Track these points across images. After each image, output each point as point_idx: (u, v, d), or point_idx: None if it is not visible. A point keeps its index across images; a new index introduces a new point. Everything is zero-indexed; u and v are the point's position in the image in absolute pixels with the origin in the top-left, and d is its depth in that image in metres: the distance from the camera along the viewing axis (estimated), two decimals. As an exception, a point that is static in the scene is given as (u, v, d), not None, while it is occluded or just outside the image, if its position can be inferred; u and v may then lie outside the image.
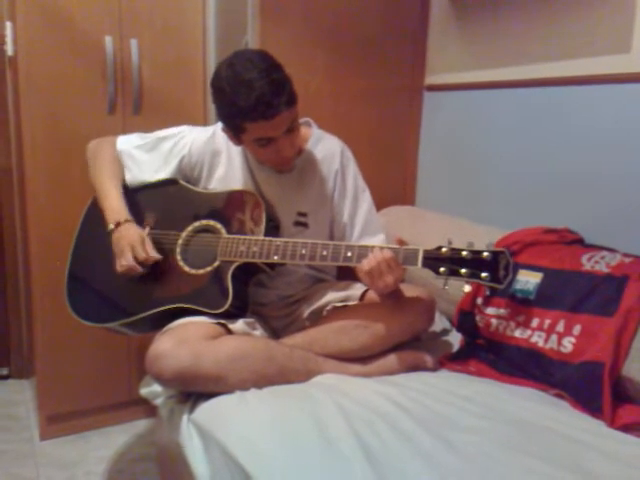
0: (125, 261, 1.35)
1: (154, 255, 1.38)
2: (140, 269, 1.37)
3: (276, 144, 1.33)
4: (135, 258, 1.35)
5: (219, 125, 1.52)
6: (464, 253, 1.20)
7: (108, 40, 1.79)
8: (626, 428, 1.11)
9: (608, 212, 1.52)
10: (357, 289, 1.47)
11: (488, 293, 1.44)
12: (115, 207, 1.43)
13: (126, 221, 1.40)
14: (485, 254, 1.19)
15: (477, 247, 1.21)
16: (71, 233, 1.54)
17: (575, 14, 1.57)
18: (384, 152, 2.09)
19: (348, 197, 1.52)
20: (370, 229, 1.53)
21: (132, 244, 1.36)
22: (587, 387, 1.19)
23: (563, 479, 0.95)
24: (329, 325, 1.39)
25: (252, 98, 1.24)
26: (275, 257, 1.33)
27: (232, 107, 1.27)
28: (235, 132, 1.34)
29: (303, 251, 1.31)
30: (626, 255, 1.34)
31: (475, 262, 1.20)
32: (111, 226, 1.40)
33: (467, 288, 1.22)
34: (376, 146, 2.07)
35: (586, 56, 1.55)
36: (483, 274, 1.19)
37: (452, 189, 2.03)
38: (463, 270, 1.20)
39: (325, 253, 1.30)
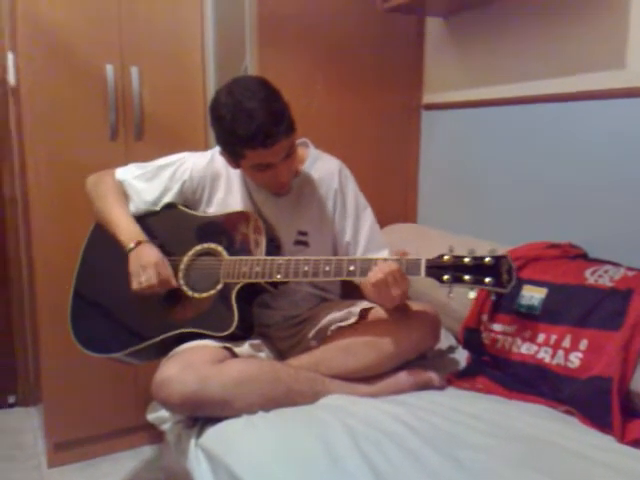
0: (145, 278, 1.35)
1: (173, 279, 1.39)
2: (162, 289, 1.37)
3: (274, 169, 1.35)
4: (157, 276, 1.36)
5: (217, 149, 1.54)
6: (466, 260, 1.21)
7: (109, 68, 1.82)
8: (637, 443, 1.10)
9: (610, 226, 1.52)
10: (359, 306, 1.47)
11: (493, 298, 1.43)
12: (131, 230, 1.44)
13: (146, 242, 1.41)
14: (487, 259, 1.19)
15: (478, 253, 1.21)
16: (75, 259, 1.55)
17: (570, 31, 1.59)
18: (385, 171, 2.11)
19: (350, 216, 1.53)
20: (374, 245, 1.53)
21: (156, 262, 1.37)
22: (596, 402, 1.18)
23: (575, 497, 0.94)
24: (335, 345, 1.39)
25: (252, 127, 1.26)
26: (278, 276, 1.33)
27: (232, 135, 1.29)
28: (234, 157, 1.36)
29: (306, 268, 1.31)
30: (629, 269, 1.33)
31: (478, 268, 1.20)
32: (131, 245, 1.40)
33: (472, 295, 1.22)
34: (377, 165, 2.08)
35: (582, 72, 1.56)
36: (487, 279, 1.19)
37: (454, 206, 2.04)
38: (466, 277, 1.20)
39: (328, 269, 1.30)
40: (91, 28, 1.80)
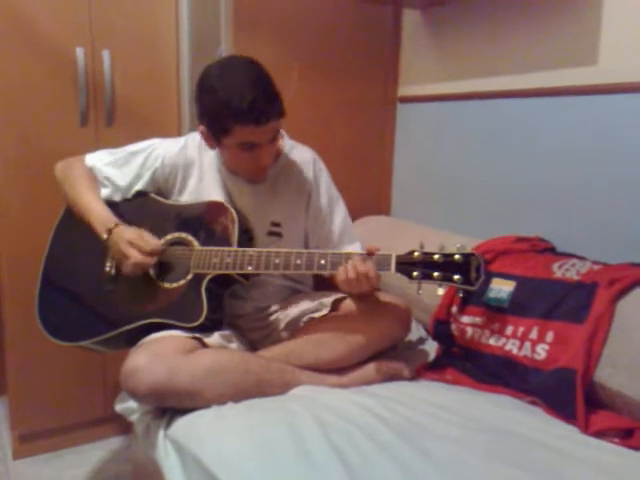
0: (132, 258, 1.32)
1: (158, 244, 1.36)
2: (151, 260, 1.34)
3: (258, 151, 1.34)
4: (140, 252, 1.33)
5: (190, 136, 1.52)
6: (436, 257, 1.22)
7: (79, 51, 1.78)
8: (599, 434, 1.13)
9: (578, 221, 1.55)
10: (331, 298, 1.47)
11: (461, 295, 1.45)
12: (102, 216, 1.41)
13: (117, 225, 1.38)
14: (457, 257, 1.21)
15: (448, 250, 1.22)
16: (44, 249, 1.51)
17: (544, 28, 1.60)
18: (359, 162, 2.11)
19: (323, 207, 1.53)
20: (346, 238, 1.54)
21: (131, 241, 1.34)
22: (560, 393, 1.20)
23: (539, 486, 0.96)
24: (306, 336, 1.39)
25: (247, 101, 1.24)
26: (249, 267, 1.32)
27: (224, 107, 1.27)
28: (218, 133, 1.33)
29: (277, 260, 1.31)
30: (595, 263, 1.36)
31: (447, 265, 1.21)
32: (104, 236, 1.38)
33: (440, 291, 1.23)
34: (351, 157, 2.08)
35: (556, 68, 1.58)
36: (455, 277, 1.20)
37: (427, 199, 2.05)
38: (436, 273, 1.21)
39: (299, 262, 1.30)
40: (60, 9, 1.75)
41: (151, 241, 1.36)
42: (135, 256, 1.33)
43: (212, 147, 1.41)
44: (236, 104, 1.25)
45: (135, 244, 1.34)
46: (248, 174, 1.45)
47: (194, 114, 1.98)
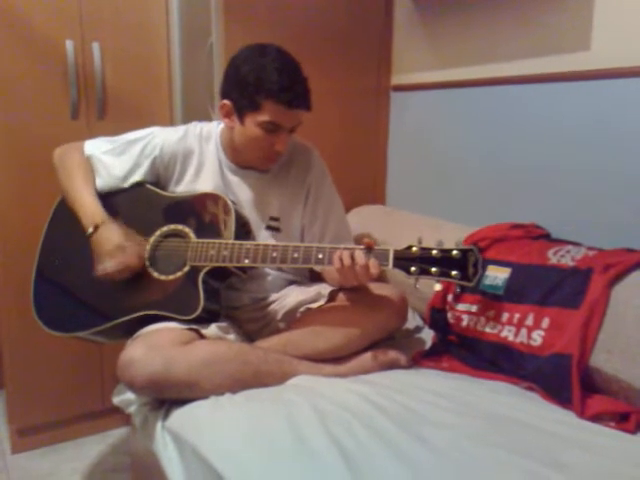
0: (104, 267, 1.32)
1: (134, 262, 1.34)
2: (120, 276, 1.34)
3: (278, 136, 1.35)
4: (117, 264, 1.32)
5: (191, 125, 1.51)
6: (434, 252, 1.21)
7: (69, 44, 1.77)
8: (595, 418, 1.14)
9: (573, 207, 1.55)
10: (328, 288, 1.47)
11: (458, 290, 1.45)
12: (91, 210, 1.40)
13: (104, 222, 1.37)
14: (455, 252, 1.20)
15: (446, 245, 1.22)
16: (37, 240, 1.51)
17: (538, 14, 1.59)
18: (353, 152, 2.10)
19: (321, 202, 1.53)
20: (342, 235, 1.54)
21: (109, 250, 1.33)
22: (557, 379, 1.21)
23: (537, 472, 0.96)
24: (303, 327, 1.39)
25: (286, 81, 1.28)
26: (246, 261, 1.32)
27: (262, 80, 1.29)
28: (245, 109, 1.34)
29: (274, 254, 1.30)
30: (590, 248, 1.36)
31: (445, 261, 1.20)
32: (90, 230, 1.37)
33: (438, 287, 1.23)
34: (345, 147, 2.07)
35: (549, 54, 1.58)
36: (453, 272, 1.20)
37: (422, 187, 2.05)
38: (434, 269, 1.21)
39: (296, 255, 1.29)
40: (50, 1, 1.73)
41: (128, 257, 1.33)
42: (108, 267, 1.32)
43: (230, 124, 1.40)
44: (275, 79, 1.27)
45: (113, 255, 1.33)
46: (257, 160, 1.44)
47: (186, 106, 1.98)
